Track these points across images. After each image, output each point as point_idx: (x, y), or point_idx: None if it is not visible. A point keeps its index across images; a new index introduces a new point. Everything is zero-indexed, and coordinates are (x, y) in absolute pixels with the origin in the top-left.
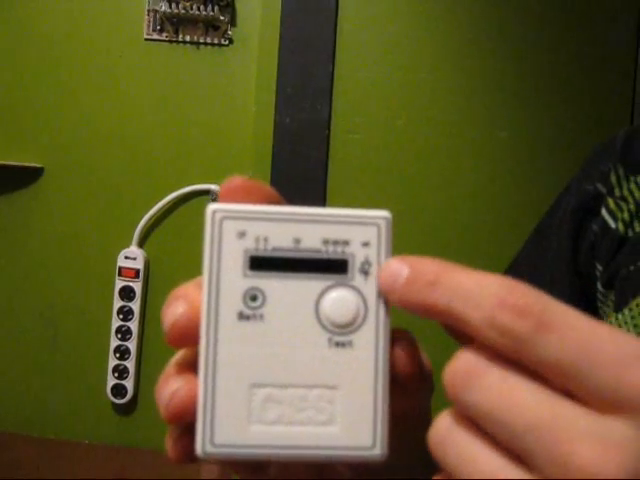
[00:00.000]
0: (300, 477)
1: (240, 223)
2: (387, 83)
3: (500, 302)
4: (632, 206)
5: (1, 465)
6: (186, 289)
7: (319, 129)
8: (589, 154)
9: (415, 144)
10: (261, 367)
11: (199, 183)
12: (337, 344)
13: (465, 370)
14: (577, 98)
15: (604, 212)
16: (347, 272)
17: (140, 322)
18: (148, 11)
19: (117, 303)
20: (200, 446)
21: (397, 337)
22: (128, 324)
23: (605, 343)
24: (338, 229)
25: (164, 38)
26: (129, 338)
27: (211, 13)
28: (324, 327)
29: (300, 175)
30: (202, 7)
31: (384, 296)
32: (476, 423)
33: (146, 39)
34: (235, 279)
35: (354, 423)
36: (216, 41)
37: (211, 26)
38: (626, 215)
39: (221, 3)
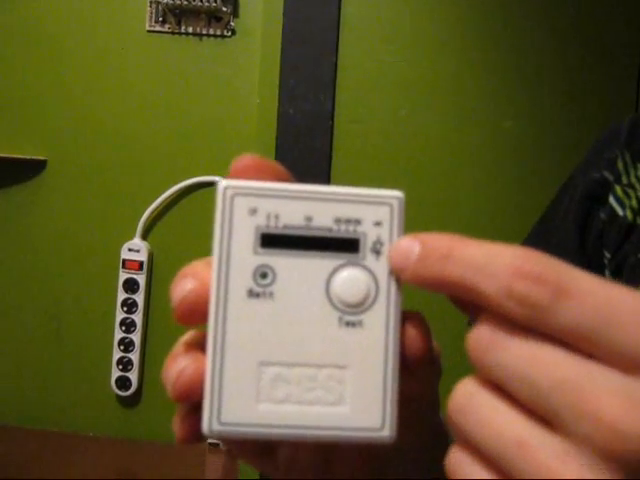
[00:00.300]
0: (307, 461)
1: (252, 200)
2: (390, 74)
3: (516, 271)
4: None
5: (6, 458)
6: (195, 266)
7: (322, 120)
8: (593, 143)
9: (418, 134)
10: (270, 345)
11: (202, 175)
12: (347, 324)
13: (489, 334)
14: (582, 87)
15: (612, 200)
16: (359, 251)
17: (144, 314)
18: (150, 2)
19: (121, 295)
20: (207, 424)
21: (408, 318)
22: (132, 316)
23: (624, 304)
24: (350, 208)
25: (166, 30)
26: (133, 330)
27: (213, 4)
28: (334, 306)
29: (304, 166)
30: None
31: (396, 275)
32: (499, 386)
33: (148, 31)
34: (245, 256)
35: (363, 404)
36: (219, 32)
37: (214, 17)
38: (634, 202)
39: None
